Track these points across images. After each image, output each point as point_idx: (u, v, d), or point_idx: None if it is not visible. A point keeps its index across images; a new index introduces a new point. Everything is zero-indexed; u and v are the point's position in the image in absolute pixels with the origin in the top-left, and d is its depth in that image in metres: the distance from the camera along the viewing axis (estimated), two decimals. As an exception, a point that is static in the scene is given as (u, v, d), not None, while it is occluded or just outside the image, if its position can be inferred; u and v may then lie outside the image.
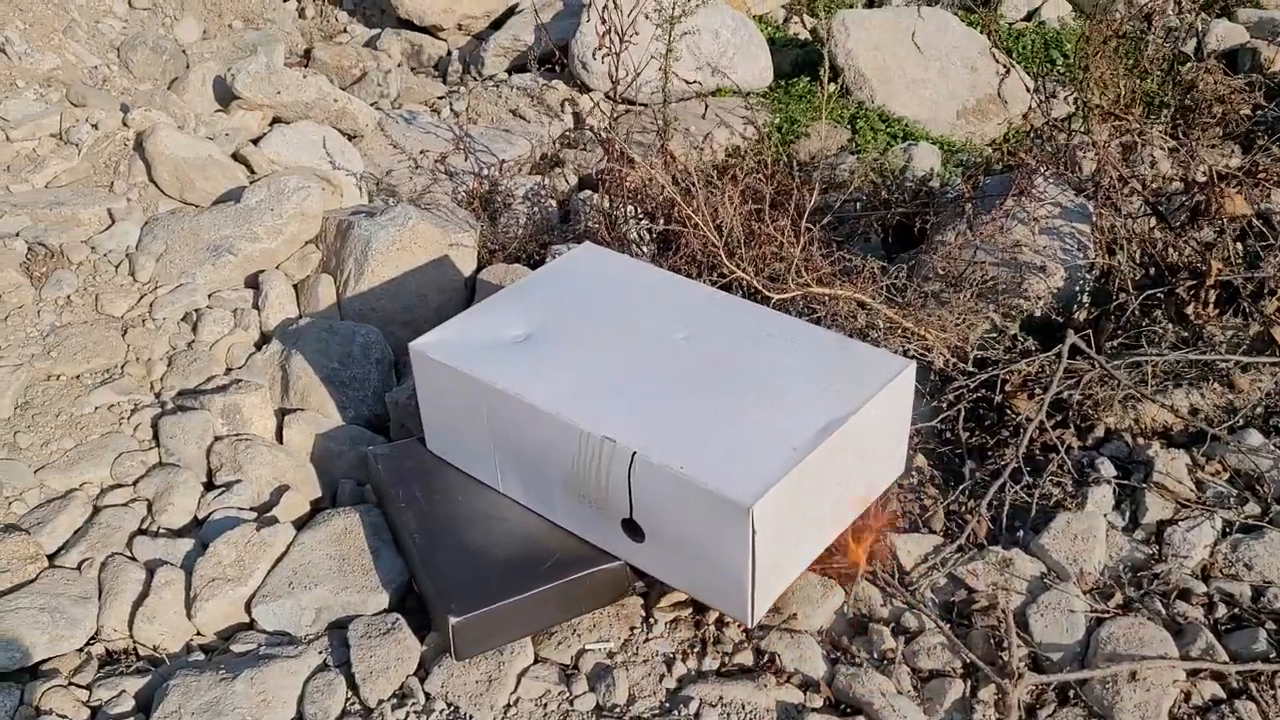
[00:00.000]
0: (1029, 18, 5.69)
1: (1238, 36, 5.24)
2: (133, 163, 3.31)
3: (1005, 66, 3.68)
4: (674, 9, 3.34)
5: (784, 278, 2.53)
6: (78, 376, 2.65)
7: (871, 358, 2.18)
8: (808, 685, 1.96)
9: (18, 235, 2.97)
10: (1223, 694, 1.89)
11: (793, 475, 1.87)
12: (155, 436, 2.51)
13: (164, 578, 2.13)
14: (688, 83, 3.37)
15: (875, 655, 2.01)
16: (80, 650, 2.06)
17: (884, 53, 4.90)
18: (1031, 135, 3.21)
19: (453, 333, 2.28)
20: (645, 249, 3.07)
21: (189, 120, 3.72)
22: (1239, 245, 2.90)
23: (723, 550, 1.89)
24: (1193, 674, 1.91)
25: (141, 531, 2.29)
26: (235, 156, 3.57)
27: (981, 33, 4.96)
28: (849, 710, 1.92)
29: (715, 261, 2.69)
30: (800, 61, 5.13)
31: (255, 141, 3.73)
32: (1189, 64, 4.04)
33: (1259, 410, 2.54)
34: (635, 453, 1.93)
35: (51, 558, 2.22)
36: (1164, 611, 2.05)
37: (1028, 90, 3.56)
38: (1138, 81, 3.45)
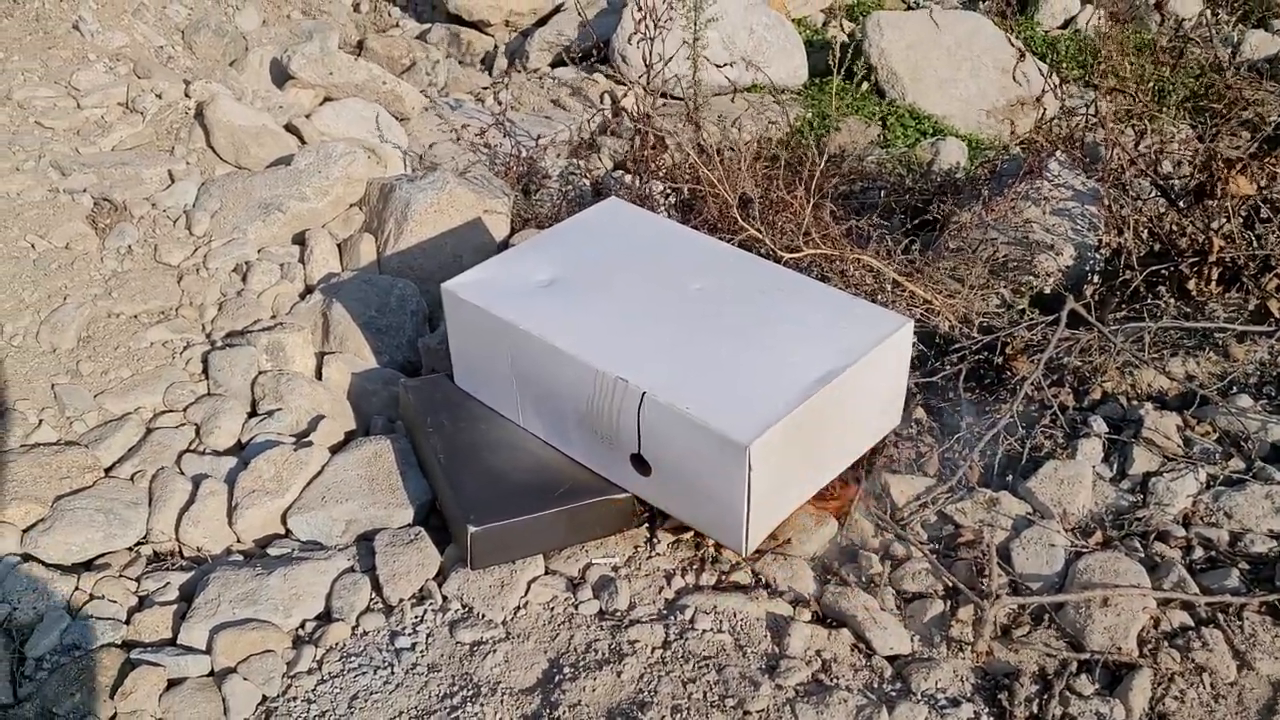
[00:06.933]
0: (1065, 25, 5.80)
1: (1272, 46, 5.32)
2: (193, 130, 3.54)
3: (1020, 52, 3.80)
4: (699, -2, 3.51)
5: (797, 241, 2.66)
6: (135, 316, 2.85)
7: (873, 315, 2.31)
8: (797, 601, 2.09)
9: (85, 191, 3.20)
10: (1191, 623, 1.99)
11: (790, 418, 2.00)
12: (205, 370, 2.70)
13: (208, 488, 2.31)
14: (718, 67, 3.52)
15: (863, 579, 2.13)
16: (131, 549, 2.25)
17: (917, 53, 5.03)
18: (1045, 120, 3.32)
19: (483, 275, 2.44)
20: (668, 215, 3.21)
21: (246, 95, 3.95)
22: (1250, 231, 2.98)
23: (721, 485, 2.02)
24: (1164, 604, 2.01)
25: (189, 450, 2.48)
26: (288, 128, 3.78)
27: (1009, 34, 5.07)
28: (835, 624, 2.04)
29: (734, 227, 2.83)
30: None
31: (308, 116, 3.94)
32: (1222, 72, 4.12)
33: (1252, 378, 2.62)
34: (645, 392, 2.07)
35: (108, 470, 2.41)
36: (1142, 551, 2.15)
37: (1041, 75, 3.68)
38: (1146, 67, 3.55)
